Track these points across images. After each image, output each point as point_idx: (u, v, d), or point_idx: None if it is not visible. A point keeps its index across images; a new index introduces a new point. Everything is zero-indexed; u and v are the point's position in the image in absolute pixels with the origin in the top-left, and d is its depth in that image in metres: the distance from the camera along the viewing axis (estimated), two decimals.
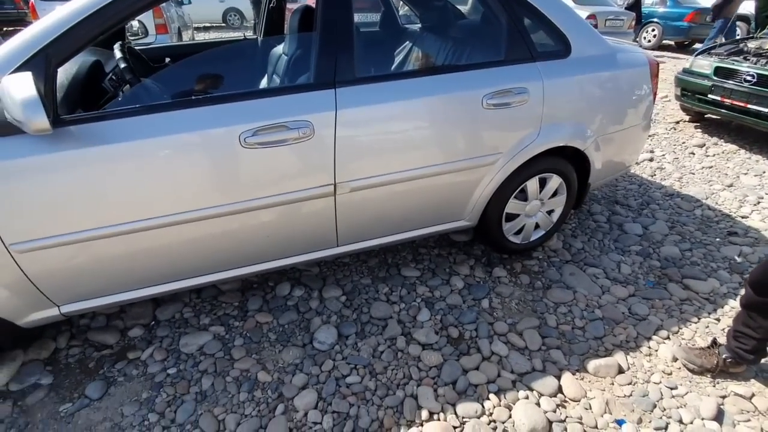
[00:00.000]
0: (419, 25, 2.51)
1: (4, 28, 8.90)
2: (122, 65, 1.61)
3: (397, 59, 2.33)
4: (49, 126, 1.06)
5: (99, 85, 1.67)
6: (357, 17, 1.54)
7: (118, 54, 1.72)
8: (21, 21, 9.34)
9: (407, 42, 2.35)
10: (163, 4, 5.14)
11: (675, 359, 1.65)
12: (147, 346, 1.66)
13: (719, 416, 1.44)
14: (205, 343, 1.67)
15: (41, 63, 1.16)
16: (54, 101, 1.19)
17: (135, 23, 2.56)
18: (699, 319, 1.86)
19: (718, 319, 1.86)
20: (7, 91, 1.03)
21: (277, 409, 1.43)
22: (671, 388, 1.54)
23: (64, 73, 1.55)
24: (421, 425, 1.39)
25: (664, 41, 9.14)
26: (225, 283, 1.96)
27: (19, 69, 1.14)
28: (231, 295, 1.91)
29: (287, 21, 2.42)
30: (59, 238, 1.26)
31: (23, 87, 1.03)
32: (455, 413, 1.43)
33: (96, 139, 1.22)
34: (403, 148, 1.59)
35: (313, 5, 1.69)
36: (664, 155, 3.65)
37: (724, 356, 1.55)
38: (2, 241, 1.21)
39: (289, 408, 1.44)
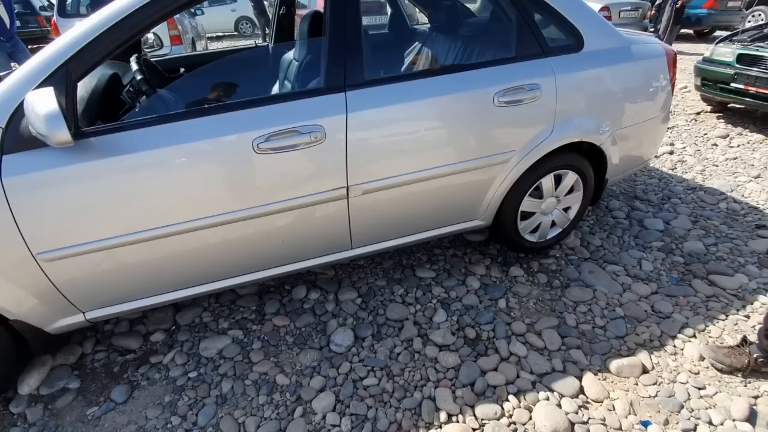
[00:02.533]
0: (428, 26, 2.51)
1: (29, 46, 9.25)
2: (138, 77, 1.65)
3: (407, 60, 2.33)
4: (70, 139, 1.10)
5: (117, 97, 1.72)
6: (365, 20, 1.54)
7: (134, 66, 1.77)
8: (44, 38, 9.71)
9: (416, 42, 2.35)
10: (177, 16, 5.26)
11: (702, 358, 1.60)
12: (168, 351, 1.69)
13: (752, 417, 1.39)
14: (224, 346, 1.69)
15: (62, 78, 1.20)
16: (75, 114, 1.23)
17: (150, 36, 2.63)
18: (727, 316, 1.79)
19: (748, 316, 1.79)
20: (31, 106, 1.07)
21: (295, 411, 1.44)
22: (699, 389, 1.49)
23: (84, 87, 1.60)
24: (440, 427, 1.38)
25: (682, 30, 8.87)
26: (242, 288, 1.99)
27: (41, 85, 1.19)
28: (248, 299, 1.94)
29: (297, 27, 2.45)
30: (82, 246, 1.30)
31: (46, 102, 1.07)
32: (474, 415, 1.41)
33: (115, 150, 1.25)
34: (414, 149, 1.59)
35: (322, 10, 1.71)
36: (684, 148, 3.54)
37: (755, 355, 1.49)
38: (30, 251, 1.25)
39: (308, 410, 1.45)
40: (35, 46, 9.37)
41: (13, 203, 1.19)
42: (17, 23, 4.80)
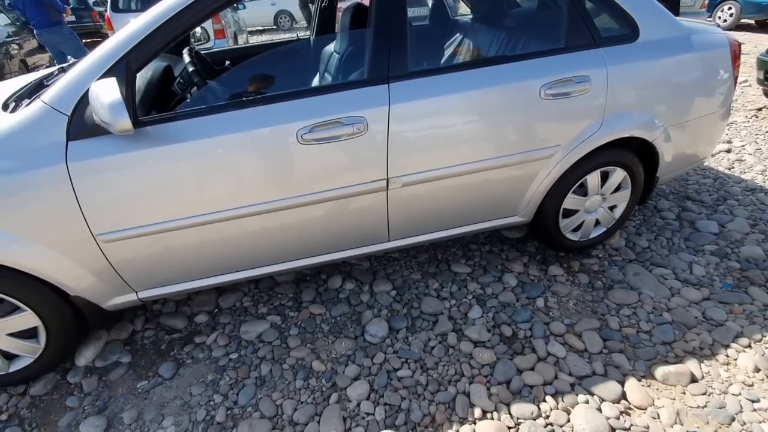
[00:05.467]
0: (471, 16, 2.46)
1: (83, 40, 9.82)
2: (190, 69, 1.72)
3: (450, 51, 2.29)
4: (131, 127, 1.16)
5: (169, 88, 1.80)
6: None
7: (186, 58, 1.85)
8: (97, 33, 10.28)
9: (459, 34, 2.30)
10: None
11: (758, 370, 1.50)
12: (211, 332, 1.77)
13: None
14: (263, 331, 1.75)
15: (123, 69, 1.27)
16: (134, 104, 1.30)
17: (198, 29, 2.72)
18: None
19: None
20: (96, 96, 1.14)
21: (331, 397, 1.47)
22: (753, 401, 1.41)
23: (140, 78, 1.68)
24: (474, 423, 1.37)
25: (742, 20, 8.24)
26: (280, 275, 2.05)
27: (104, 75, 1.26)
28: (286, 286, 1.99)
29: (338, 20, 2.46)
30: (138, 229, 1.38)
31: (109, 92, 1.13)
32: (509, 413, 1.40)
33: (170, 139, 1.31)
34: (456, 142, 1.57)
35: (364, 2, 1.71)
36: (743, 146, 3.30)
37: None
38: (90, 232, 1.34)
39: (343, 397, 1.48)
40: (89, 40, 9.94)
41: (77, 187, 1.27)
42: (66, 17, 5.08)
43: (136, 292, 1.56)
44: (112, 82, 1.16)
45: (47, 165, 1.24)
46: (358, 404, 1.45)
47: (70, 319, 1.51)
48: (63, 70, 1.74)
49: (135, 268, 1.47)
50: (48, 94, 1.28)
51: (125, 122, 1.14)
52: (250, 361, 1.63)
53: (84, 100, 1.25)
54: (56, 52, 5.08)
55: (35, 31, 4.88)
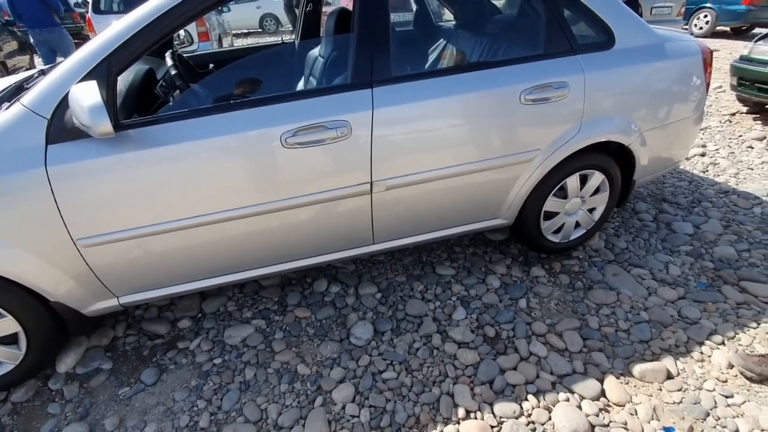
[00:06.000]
0: (454, 22, 2.50)
1: None
2: (173, 72, 1.71)
3: (433, 57, 2.32)
4: (112, 130, 1.15)
5: (152, 91, 1.78)
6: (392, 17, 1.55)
7: (169, 61, 1.84)
8: (78, 34, 10.08)
9: (442, 39, 2.34)
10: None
11: (731, 366, 1.56)
12: (195, 337, 1.75)
13: None
14: (247, 335, 1.74)
15: (104, 72, 1.26)
16: (115, 107, 1.29)
17: (181, 32, 2.71)
18: (758, 324, 1.73)
19: None
20: (76, 99, 1.13)
21: (316, 401, 1.48)
22: (727, 397, 1.46)
23: (122, 81, 1.66)
24: (458, 423, 1.39)
25: (718, 27, 8.53)
26: (265, 279, 2.04)
27: (84, 78, 1.25)
28: (271, 290, 1.99)
29: (323, 24, 2.48)
30: (118, 233, 1.36)
31: (90, 95, 1.12)
32: (492, 412, 1.42)
33: (152, 142, 1.31)
34: (439, 146, 1.59)
35: (348, 7, 1.73)
36: (717, 150, 3.42)
37: None
38: (70, 236, 1.32)
39: (328, 400, 1.48)
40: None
41: (57, 191, 1.26)
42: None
43: (118, 298, 1.54)
44: (92, 85, 1.15)
45: (26, 169, 1.22)
46: (343, 407, 1.45)
47: (50, 325, 1.48)
48: (43, 73, 1.71)
49: (116, 273, 1.45)
50: (27, 97, 1.26)
51: (105, 125, 1.13)
52: (234, 365, 1.62)
53: (64, 103, 1.24)
54: (47, 51, 4.98)
55: (34, 30, 4.79)
